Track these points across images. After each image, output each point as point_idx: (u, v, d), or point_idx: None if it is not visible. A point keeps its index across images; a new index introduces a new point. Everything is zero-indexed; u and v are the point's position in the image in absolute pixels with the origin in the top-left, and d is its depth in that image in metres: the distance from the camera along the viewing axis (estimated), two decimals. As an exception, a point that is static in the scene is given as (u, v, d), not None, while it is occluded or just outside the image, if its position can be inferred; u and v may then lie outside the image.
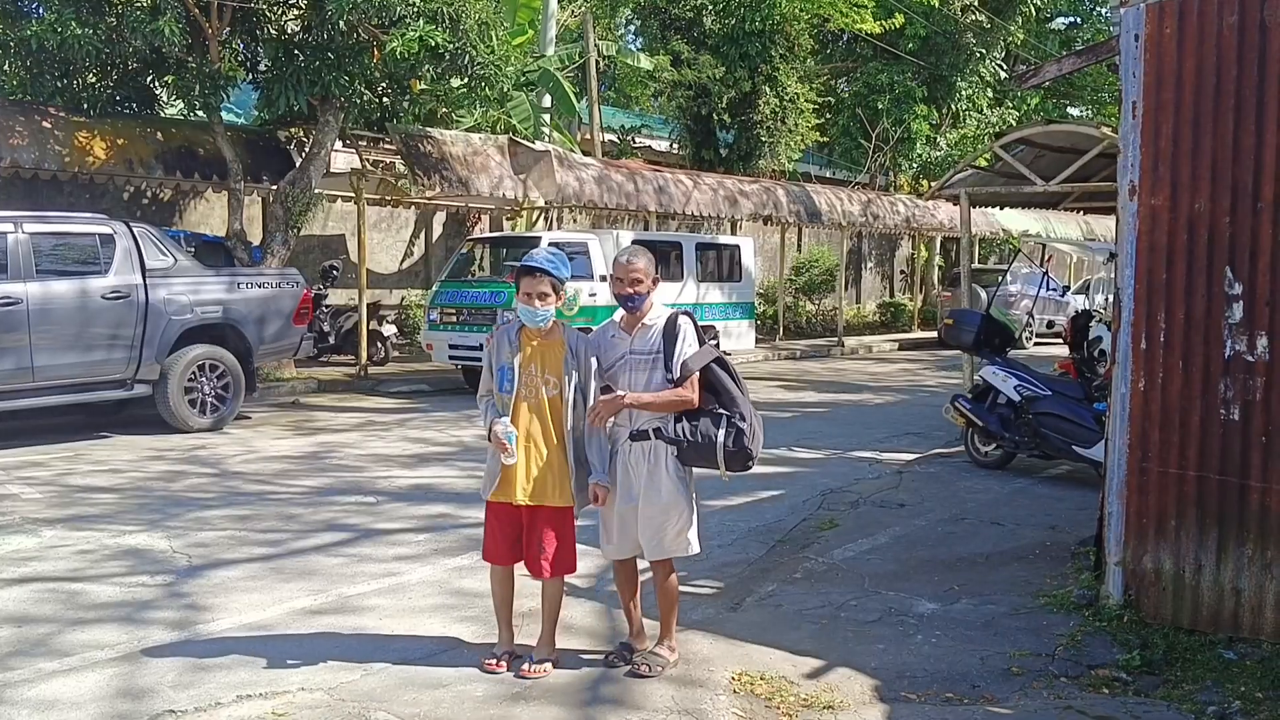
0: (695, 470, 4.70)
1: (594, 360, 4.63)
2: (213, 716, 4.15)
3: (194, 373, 10.79)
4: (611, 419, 4.63)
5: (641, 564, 4.85)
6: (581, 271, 14.37)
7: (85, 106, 13.39)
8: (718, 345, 4.50)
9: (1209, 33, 5.12)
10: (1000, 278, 20.51)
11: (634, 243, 14.99)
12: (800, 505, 8.08)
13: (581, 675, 4.65)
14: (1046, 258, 26.52)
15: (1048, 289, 24.61)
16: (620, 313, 4.74)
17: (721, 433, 4.54)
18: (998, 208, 16.93)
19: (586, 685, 4.56)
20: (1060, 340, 18.19)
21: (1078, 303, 24.25)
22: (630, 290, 4.62)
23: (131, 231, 10.51)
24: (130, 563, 6.21)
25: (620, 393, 4.56)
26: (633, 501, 4.62)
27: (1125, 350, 5.34)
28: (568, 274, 4.65)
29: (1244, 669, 4.78)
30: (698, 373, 4.56)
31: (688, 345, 4.59)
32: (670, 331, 4.59)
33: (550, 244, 13.00)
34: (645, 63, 22.56)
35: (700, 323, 4.80)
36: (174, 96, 14.17)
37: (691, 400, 4.54)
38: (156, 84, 14.31)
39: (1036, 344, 23.39)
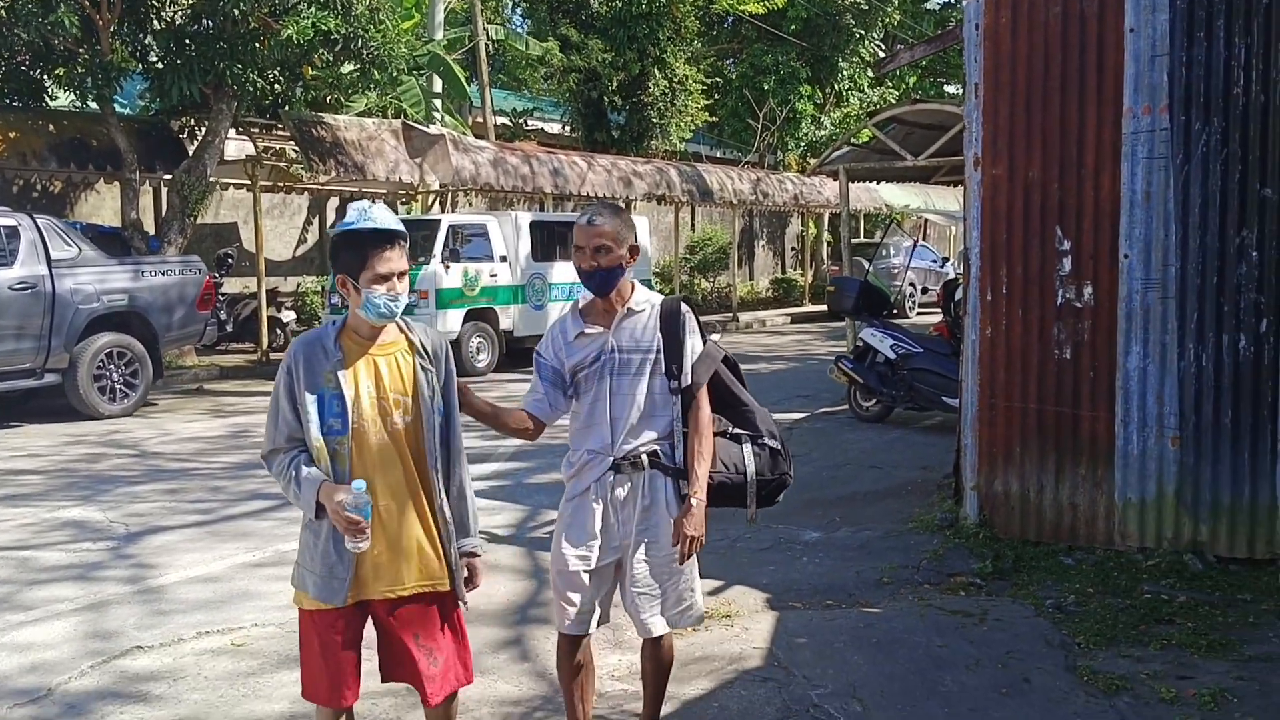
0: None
1: (450, 369, 3.10)
2: (178, 649, 4.61)
3: (102, 360, 10.95)
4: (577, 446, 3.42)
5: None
6: (481, 253, 14.87)
7: (-28, 99, 13.33)
8: (718, 341, 3.54)
9: (1038, 22, 5.89)
10: (876, 249, 21.60)
11: (533, 224, 15.61)
12: (698, 460, 8.71)
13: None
14: (925, 230, 27.83)
15: (924, 260, 25.92)
16: (583, 298, 3.41)
17: (752, 463, 3.45)
18: (876, 183, 17.86)
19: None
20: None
21: (952, 270, 25.52)
22: (595, 263, 3.30)
23: (36, 223, 10.61)
24: (72, 532, 6.55)
25: (699, 498, 3.28)
26: (614, 555, 3.39)
27: (974, 303, 6.09)
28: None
29: (1080, 571, 5.58)
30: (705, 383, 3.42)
31: (696, 341, 3.43)
32: (672, 324, 3.39)
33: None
34: (535, 49, 22.90)
35: None
36: (65, 88, 14.14)
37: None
38: (45, 76, 14.25)
39: (919, 313, 24.53)
